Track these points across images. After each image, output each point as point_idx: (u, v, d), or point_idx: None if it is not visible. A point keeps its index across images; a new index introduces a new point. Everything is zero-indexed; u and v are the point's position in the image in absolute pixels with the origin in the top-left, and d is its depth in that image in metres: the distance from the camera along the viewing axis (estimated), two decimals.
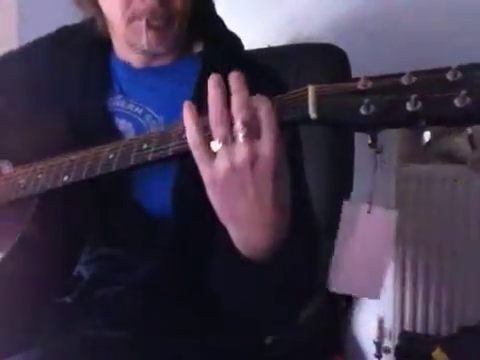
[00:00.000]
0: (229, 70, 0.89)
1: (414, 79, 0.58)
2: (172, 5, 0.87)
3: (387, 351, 1.75)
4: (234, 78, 0.67)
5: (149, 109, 0.92)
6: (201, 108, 0.85)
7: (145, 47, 0.88)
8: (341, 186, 1.30)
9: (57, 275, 0.87)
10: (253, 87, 0.88)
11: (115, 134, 0.90)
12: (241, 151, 0.63)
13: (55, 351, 0.76)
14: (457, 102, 0.55)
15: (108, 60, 0.97)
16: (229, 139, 0.64)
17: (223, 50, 0.96)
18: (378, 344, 1.75)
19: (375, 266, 1.05)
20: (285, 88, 0.95)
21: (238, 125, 0.63)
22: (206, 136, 0.65)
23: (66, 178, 0.75)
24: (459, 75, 0.56)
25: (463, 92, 0.55)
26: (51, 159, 0.79)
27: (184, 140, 0.67)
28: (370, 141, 0.61)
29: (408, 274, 1.74)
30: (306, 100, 0.62)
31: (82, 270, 0.93)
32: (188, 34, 0.96)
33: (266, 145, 0.63)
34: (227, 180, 0.64)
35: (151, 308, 0.85)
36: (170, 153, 0.69)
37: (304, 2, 1.81)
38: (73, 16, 1.00)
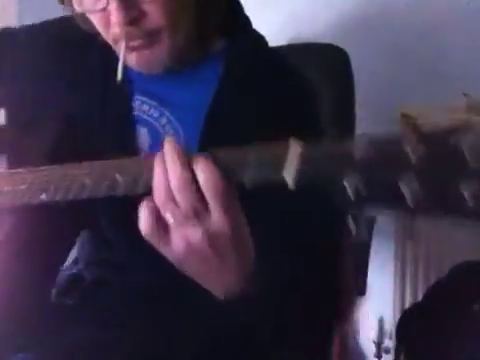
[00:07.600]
0: (254, 71, 0.88)
1: (422, 150, 0.43)
2: (147, 23, 0.80)
3: (387, 351, 1.75)
4: (168, 151, 0.58)
5: (165, 111, 0.90)
6: (222, 113, 0.84)
7: (120, 75, 0.81)
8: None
9: (40, 277, 0.87)
10: (278, 91, 0.87)
11: (131, 138, 0.89)
12: (194, 233, 0.58)
13: (55, 352, 0.76)
14: (465, 192, 0.43)
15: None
16: (179, 221, 0.57)
17: (248, 50, 0.91)
18: (378, 344, 1.75)
19: None
20: (312, 90, 0.93)
21: (182, 209, 0.56)
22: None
23: (43, 196, 0.73)
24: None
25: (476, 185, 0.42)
26: (38, 169, 0.76)
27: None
28: (351, 222, 0.50)
29: (408, 274, 1.74)
30: (284, 161, 0.51)
31: (83, 272, 0.93)
32: (205, 34, 0.90)
33: (218, 220, 0.57)
34: (186, 257, 0.60)
35: (152, 311, 0.85)
36: (140, 191, 0.62)
37: (304, 2, 1.81)
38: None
